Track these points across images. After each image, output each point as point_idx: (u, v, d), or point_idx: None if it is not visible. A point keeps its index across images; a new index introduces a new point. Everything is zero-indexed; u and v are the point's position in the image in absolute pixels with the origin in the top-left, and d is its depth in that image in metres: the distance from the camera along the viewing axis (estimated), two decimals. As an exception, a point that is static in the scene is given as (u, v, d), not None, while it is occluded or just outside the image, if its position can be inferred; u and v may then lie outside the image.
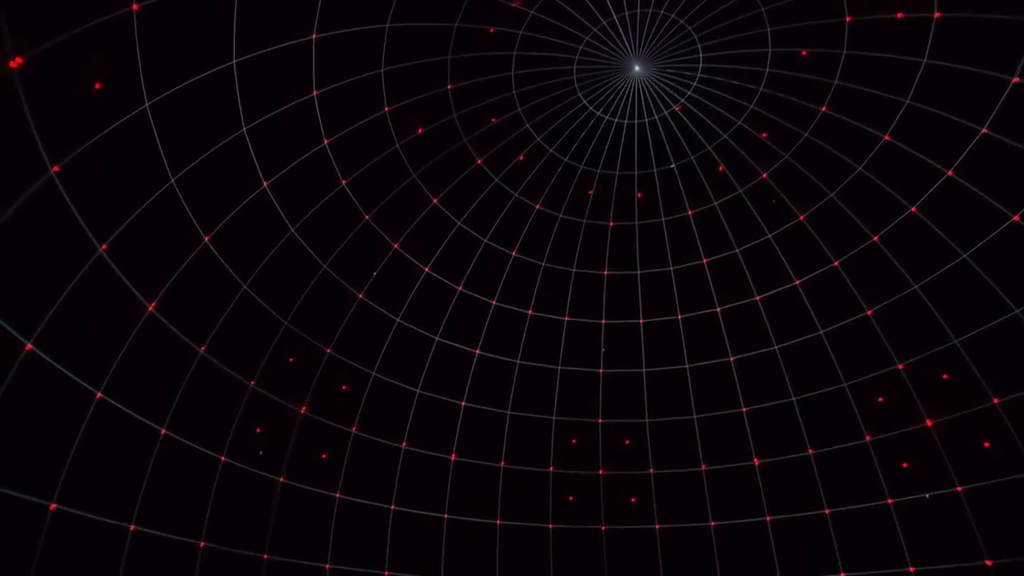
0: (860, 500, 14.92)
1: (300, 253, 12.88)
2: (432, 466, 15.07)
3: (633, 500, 17.13)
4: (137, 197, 9.92)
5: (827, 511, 15.41)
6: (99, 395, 9.16)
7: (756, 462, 16.42)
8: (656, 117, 17.59)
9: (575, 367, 17.39)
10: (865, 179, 15.05)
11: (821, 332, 16.30)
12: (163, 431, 10.28)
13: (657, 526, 16.72)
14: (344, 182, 13.60)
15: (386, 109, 13.98)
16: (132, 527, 9.49)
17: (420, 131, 14.84)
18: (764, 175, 17.01)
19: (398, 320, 14.99)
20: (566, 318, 17.44)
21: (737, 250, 17.63)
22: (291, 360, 12.94)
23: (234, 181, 11.57)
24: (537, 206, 17.25)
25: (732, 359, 17.34)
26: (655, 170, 18.23)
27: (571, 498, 16.89)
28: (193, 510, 10.83)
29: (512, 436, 16.35)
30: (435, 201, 15.55)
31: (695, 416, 17.37)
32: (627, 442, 17.53)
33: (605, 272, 17.92)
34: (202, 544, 10.73)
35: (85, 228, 8.97)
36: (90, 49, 8.67)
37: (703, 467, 16.94)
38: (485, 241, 16.53)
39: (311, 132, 12.78)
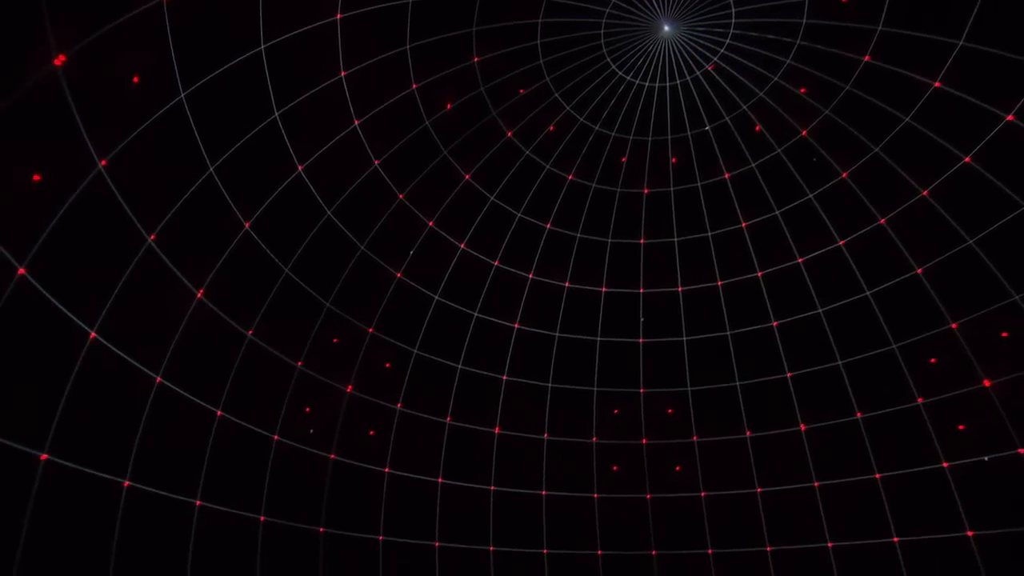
0: (913, 464, 14.56)
1: (338, 235, 13.03)
2: (477, 439, 15.30)
3: (678, 468, 17.11)
4: (179, 187, 10.14)
5: (878, 476, 15.10)
6: (159, 379, 9.54)
7: (803, 427, 16.16)
8: (688, 78, 17.05)
9: (614, 338, 17.30)
10: (913, 131, 14.33)
11: (868, 293, 15.78)
12: (219, 412, 10.68)
13: (703, 493, 16.69)
14: (377, 162, 13.64)
15: (414, 86, 13.89)
16: (199, 502, 9.96)
17: (449, 107, 14.73)
18: (803, 132, 16.38)
19: (437, 297, 15.12)
20: (603, 289, 17.30)
21: (777, 212, 17.11)
22: (335, 341, 13.21)
23: (270, 167, 11.71)
24: (570, 177, 17.02)
25: (775, 324, 16.97)
26: (689, 133, 17.74)
27: (615, 468, 16.97)
28: (252, 487, 11.27)
29: (554, 408, 16.44)
30: (467, 177, 15.49)
31: (738, 383, 17.13)
32: (670, 411, 17.44)
33: (641, 241, 17.66)
34: (262, 518, 11.20)
35: (134, 219, 9.23)
36: (126, 43, 8.80)
37: (748, 434, 16.76)
38: (519, 215, 16.44)
39: (341, 114, 12.80)
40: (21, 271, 7.45)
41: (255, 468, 11.43)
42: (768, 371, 16.83)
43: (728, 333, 17.40)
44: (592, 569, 15.78)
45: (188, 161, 10.21)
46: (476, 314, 15.76)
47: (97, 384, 8.59)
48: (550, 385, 16.57)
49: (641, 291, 17.57)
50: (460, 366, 15.39)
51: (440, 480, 14.58)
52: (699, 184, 17.85)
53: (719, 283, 17.56)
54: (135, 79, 9.33)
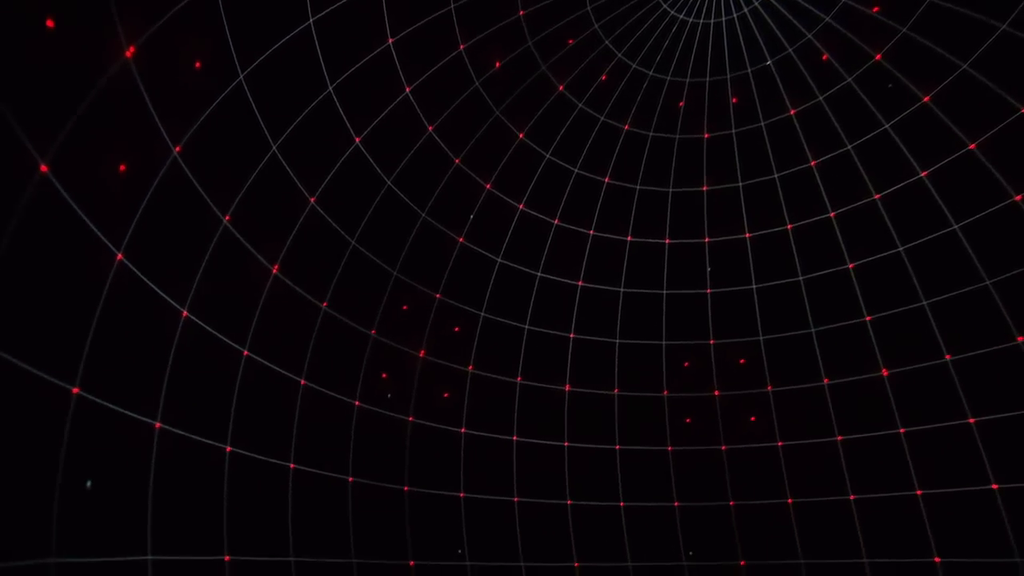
0: (1012, 407, 13.69)
1: (399, 204, 13.19)
2: (548, 397, 15.48)
3: (752, 419, 16.79)
4: (246, 167, 10.45)
5: (971, 420, 14.31)
6: (246, 352, 10.06)
7: (884, 373, 15.44)
8: (746, 10, 16.02)
9: (681, 290, 16.93)
10: (1010, 40, 12.97)
11: (955, 227, 14.70)
12: (303, 381, 11.20)
13: (780, 443, 16.35)
14: (431, 128, 13.61)
15: (461, 47, 13.66)
16: (292, 465, 10.59)
17: (498, 65, 14.44)
18: (877, 56, 15.16)
19: (499, 260, 15.16)
20: (667, 240, 16.88)
21: (849, 147, 16.06)
22: (404, 308, 13.52)
23: (328, 141, 11.88)
24: (626, 127, 16.50)
25: (851, 266, 16.13)
26: (749, 71, 16.78)
27: (688, 420, 16.82)
28: (338, 450, 11.86)
29: (623, 363, 16.36)
30: (521, 136, 15.26)
31: (813, 330, 16.49)
32: (741, 361, 17.04)
33: (704, 188, 17.03)
34: (351, 479, 11.81)
35: (209, 202, 9.60)
36: (186, 29, 8.99)
37: (825, 381, 16.19)
38: (576, 171, 16.14)
39: (392, 82, 12.78)
40: (119, 256, 7.91)
41: (340, 432, 11.99)
42: (845, 316, 16.10)
43: (800, 279, 16.69)
44: (670, 521, 15.87)
45: (252, 141, 10.47)
46: (539, 274, 15.73)
47: (193, 359, 9.13)
48: (617, 341, 16.46)
49: (707, 240, 17.03)
50: (527, 326, 15.48)
51: (515, 438, 14.89)
52: (762, 124, 16.94)
53: (788, 227, 16.78)
54: (197, 64, 9.57)
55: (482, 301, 14.92)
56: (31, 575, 6.31)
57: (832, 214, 16.17)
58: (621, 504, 15.81)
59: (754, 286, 16.90)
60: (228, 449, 9.47)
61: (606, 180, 16.60)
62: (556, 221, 15.97)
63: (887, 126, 15.35)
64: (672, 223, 17.08)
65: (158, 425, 8.42)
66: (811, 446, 15.95)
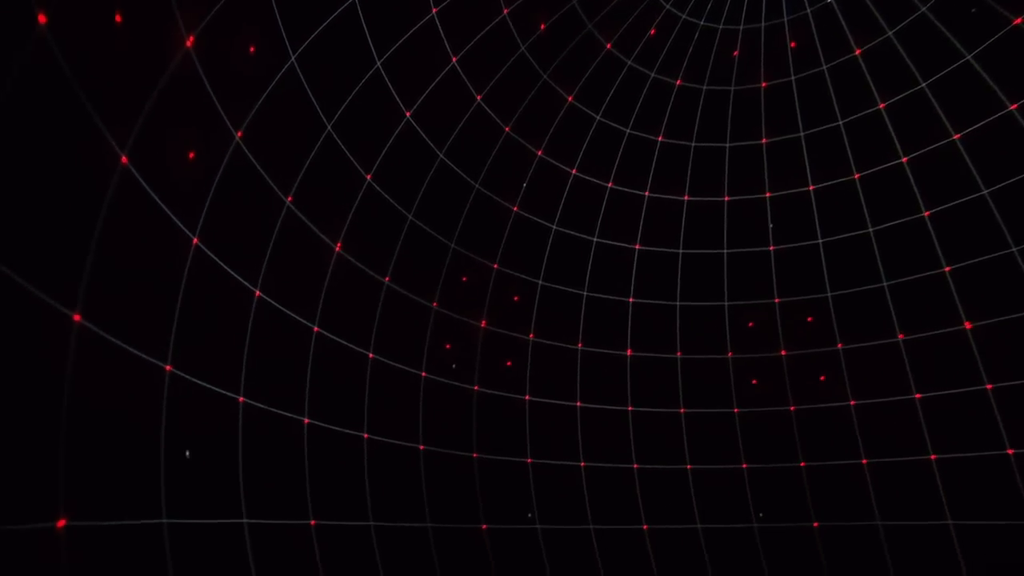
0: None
1: (452, 176, 13.22)
2: (609, 363, 15.42)
3: (822, 378, 16.24)
4: (304, 148, 10.66)
5: (1068, 372, 13.39)
6: (316, 328, 10.42)
7: (968, 326, 14.57)
8: (805, -55, 15.04)
9: (743, 248, 16.39)
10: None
11: (1049, 164, 13.57)
12: (371, 355, 11.55)
13: (852, 402, 15.78)
14: (479, 97, 13.50)
15: (505, 11, 13.40)
16: (366, 435, 11.01)
17: (543, 27, 14.11)
18: (958, -20, 13.98)
19: (554, 227, 15.06)
20: (726, 198, 16.31)
21: (923, 84, 14.97)
22: (464, 279, 13.67)
23: (380, 117, 11.96)
24: (678, 82, 15.90)
25: (927, 214, 15.18)
26: (808, 10, 15.80)
27: (754, 381, 16.44)
28: (408, 419, 12.23)
29: (684, 326, 16.08)
30: (570, 99, 14.96)
31: (886, 283, 15.69)
32: (809, 319, 16.44)
33: (763, 141, 16.29)
34: (422, 447, 12.19)
35: (272, 184, 9.87)
36: (238, 14, 9.16)
37: (900, 337, 15.43)
38: (628, 131, 15.72)
39: (438, 53, 12.70)
40: (195, 241, 8.27)
41: (409, 402, 12.35)
42: (921, 267, 15.22)
43: (870, 230, 15.85)
44: (739, 483, 15.67)
45: (308, 122, 10.66)
46: (595, 239, 15.54)
47: (268, 337, 9.53)
48: (678, 304, 16.16)
49: (767, 195, 16.36)
50: (585, 292, 15.39)
51: (578, 404, 14.95)
52: (824, 67, 15.99)
53: (856, 176, 15.91)
54: (251, 49, 9.76)
55: (539, 269, 14.89)
56: (148, 533, 6.84)
57: (905, 159, 15.20)
58: (688, 467, 15.71)
59: (820, 241, 16.17)
60: (306, 421, 9.91)
61: (659, 139, 16.11)
62: (610, 184, 15.67)
63: (968, 57, 14.19)
64: (730, 180, 16.47)
65: (241, 399, 8.87)
66: (886, 405, 15.32)
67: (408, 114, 12.32)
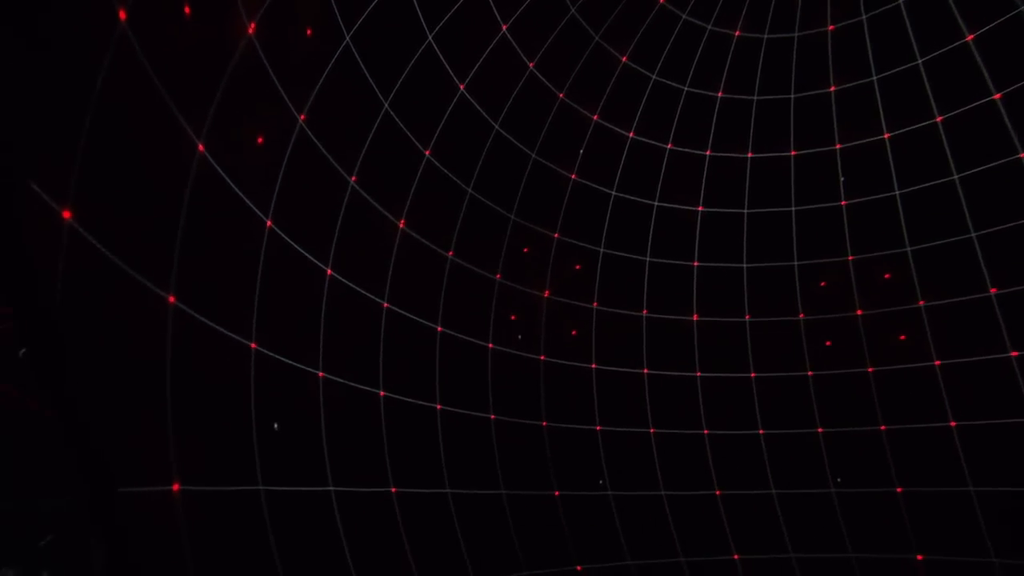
0: None
1: (508, 147, 13.14)
2: (675, 329, 15.16)
3: (902, 338, 15.43)
4: (363, 128, 10.81)
5: None
6: (385, 304, 10.69)
7: (1071, 275, 13.46)
8: None
9: (812, 204, 15.63)
10: None
11: None
12: (439, 328, 11.78)
13: (936, 363, 14.93)
14: (532, 65, 13.29)
15: (553, -27, 13.07)
16: (439, 406, 11.30)
17: (593, -14, 13.69)
18: None
19: (613, 193, 14.78)
20: (792, 152, 15.54)
21: (1021, 6, 13.63)
22: (525, 250, 13.67)
23: (435, 92, 11.97)
24: (736, 33, 15.12)
25: (1023, 155, 13.98)
26: (879, -59, 14.63)
27: (828, 343, 15.80)
28: (478, 391, 12.47)
29: (752, 288, 15.56)
30: (624, 59, 14.50)
31: (974, 234, 14.63)
32: (886, 276, 15.58)
33: (832, 88, 15.35)
34: (492, 417, 12.43)
35: (335, 165, 10.08)
36: (294, -2, 9.30)
37: (992, 291, 14.41)
38: (685, 89, 15.14)
39: (488, 22, 12.53)
40: (269, 223, 8.58)
41: (478, 374, 12.57)
42: (1015, 215, 14.08)
43: (955, 177, 14.76)
44: (814, 448, 15.21)
45: (365, 101, 10.79)
46: (656, 203, 15.17)
47: (341, 314, 9.86)
48: (744, 266, 15.63)
49: (838, 147, 15.47)
50: (648, 258, 15.10)
51: (645, 371, 14.82)
52: (901, 1, 14.79)
53: (938, 119, 14.78)
54: (308, 32, 9.90)
55: (600, 237, 14.70)
56: (248, 498, 7.30)
57: (997, 95, 13.98)
58: (760, 432, 15.36)
59: (897, 192, 15.20)
60: (382, 394, 10.25)
61: (719, 95, 15.45)
62: (669, 146, 15.20)
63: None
64: (797, 132, 15.65)
65: (321, 374, 9.24)
66: (977, 364, 14.42)
67: (462, 87, 12.27)
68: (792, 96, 15.46)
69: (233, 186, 8.10)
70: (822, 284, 15.88)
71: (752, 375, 15.49)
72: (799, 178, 15.48)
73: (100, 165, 5.87)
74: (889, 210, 15.28)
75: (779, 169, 15.53)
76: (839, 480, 15.22)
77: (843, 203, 15.52)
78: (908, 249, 15.18)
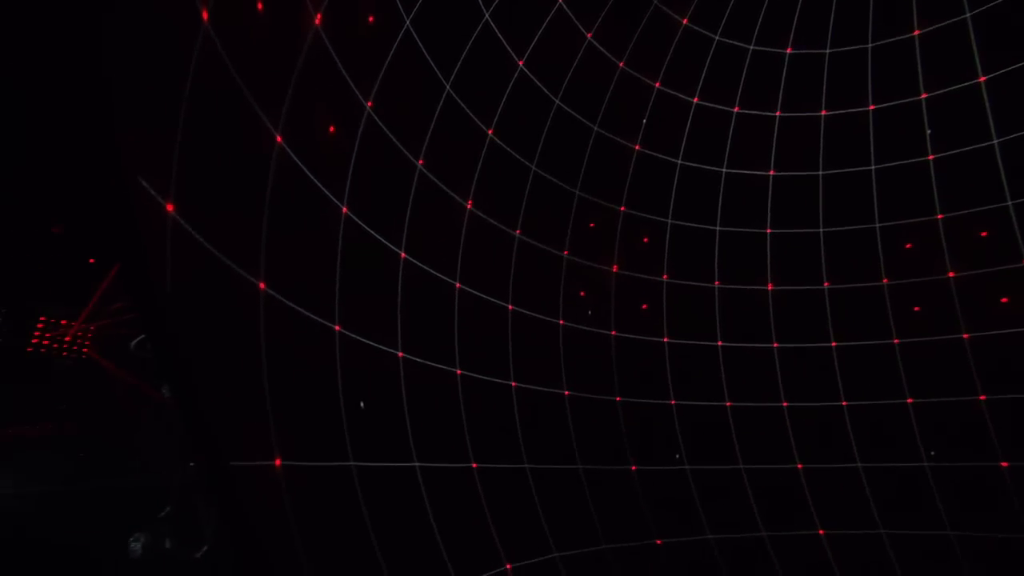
0: None
1: (570, 122, 12.97)
2: (749, 299, 14.68)
3: (1004, 300, 14.33)
4: (427, 111, 10.91)
5: None
6: (457, 285, 10.86)
7: None
8: None
9: (894, 162, 14.67)
10: None
11: None
12: (510, 307, 11.87)
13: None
14: (589, 35, 13.00)
15: (608, -62, 12.68)
16: (513, 383, 11.44)
17: (649, -52, 13.21)
18: None
19: (679, 162, 14.35)
20: (871, 107, 14.60)
21: None
22: (591, 225, 13.53)
23: (494, 70, 11.92)
24: (806, -18, 14.27)
25: None
26: None
27: (916, 308, 14.90)
28: (551, 367, 12.53)
29: (830, 254, 14.83)
30: (684, 22, 13.96)
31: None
32: (983, 234, 14.48)
33: (915, 32, 14.26)
34: (566, 393, 12.47)
35: (402, 149, 10.24)
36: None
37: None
38: (751, 48, 14.44)
39: (545, -5, 12.34)
40: (344, 210, 8.84)
41: (550, 351, 12.62)
42: None
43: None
44: (904, 420, 14.43)
45: (428, 84, 10.87)
46: (724, 170, 14.63)
47: (417, 296, 10.09)
48: (821, 230, 14.90)
49: (923, 97, 14.40)
50: (718, 228, 14.63)
51: (719, 343, 14.45)
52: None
53: (1040, 54, 13.49)
54: (370, 19, 10.04)
55: (667, 208, 14.34)
56: (341, 474, 7.65)
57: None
58: (843, 403, 14.73)
59: (995, 141, 14.02)
60: (459, 372, 10.46)
61: (788, 51, 14.65)
62: (736, 109, 14.58)
63: None
64: (875, 85, 14.67)
65: (400, 354, 9.51)
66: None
67: (521, 63, 12.16)
68: (869, 45, 14.47)
69: (310, 175, 8.37)
70: (908, 246, 14.95)
71: (833, 344, 14.83)
72: (879, 134, 14.53)
73: (193, 158, 6.18)
74: (986, 162, 14.13)
75: (856, 126, 14.63)
76: (933, 454, 14.40)
77: (930, 157, 14.48)
78: (1009, 203, 14.03)
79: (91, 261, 8.16)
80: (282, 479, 6.49)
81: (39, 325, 8.46)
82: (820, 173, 14.82)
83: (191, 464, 7.97)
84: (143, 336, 8.37)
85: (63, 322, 8.66)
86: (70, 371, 8.54)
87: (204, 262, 6.27)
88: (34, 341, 8.34)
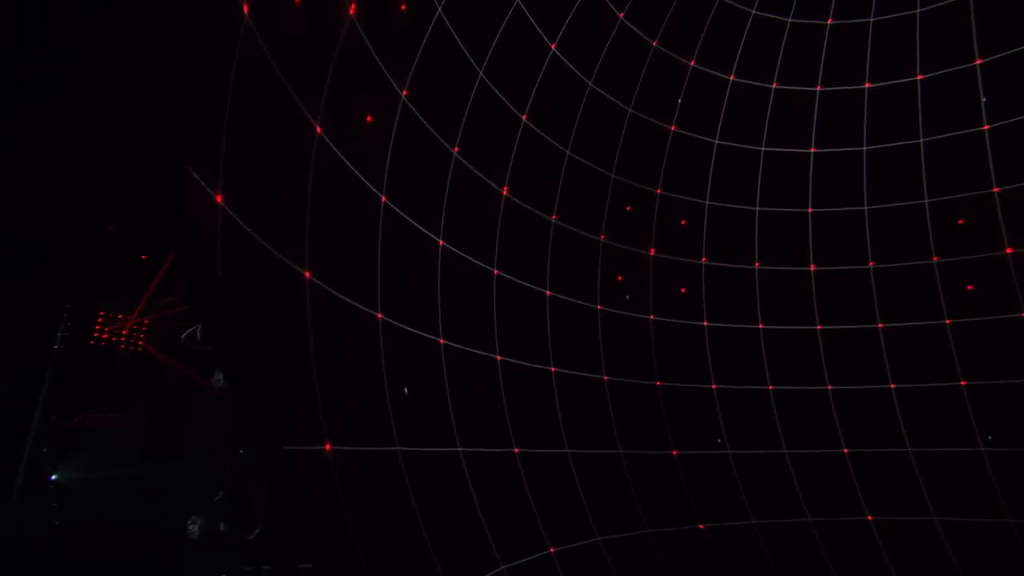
0: None
1: (603, 104, 12.80)
2: (791, 281, 14.32)
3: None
4: (460, 98, 10.90)
5: None
6: (495, 271, 10.88)
7: None
8: None
9: (944, 134, 14.06)
10: None
11: None
12: (548, 292, 11.85)
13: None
14: (622, 15, 12.78)
15: (639, -86, 12.41)
16: (552, 368, 11.47)
17: (682, -78, 12.87)
18: None
19: (716, 141, 14.04)
20: (919, 77, 13.99)
21: None
22: (628, 209, 13.36)
23: (526, 55, 11.83)
24: (848, -51, 13.72)
25: None
26: None
27: (969, 287, 14.31)
28: (590, 352, 12.49)
29: (876, 233, 14.35)
30: (720, -3, 13.61)
31: None
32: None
33: (966, -6, 13.56)
34: (606, 378, 12.42)
35: (438, 137, 10.27)
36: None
37: None
38: (789, 20, 13.98)
39: (575, -25, 12.15)
40: (383, 199, 8.93)
41: (588, 336, 12.57)
42: None
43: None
44: (957, 403, 13.91)
45: (461, 71, 10.85)
46: (763, 148, 14.26)
47: (455, 283, 10.15)
48: (866, 208, 14.42)
49: (977, 63, 13.72)
50: (757, 208, 14.29)
51: (760, 326, 14.16)
52: None
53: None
54: (403, 7, 10.05)
55: (705, 189, 14.07)
56: (387, 459, 7.79)
57: None
58: (891, 386, 14.29)
59: (1054, 109, 13.31)
60: (499, 358, 10.50)
61: (828, 21, 14.14)
62: (774, 85, 14.16)
63: None
64: (924, 53, 14.04)
65: (442, 341, 9.60)
66: None
67: (553, 46, 12.03)
68: (918, 10, 13.84)
69: (350, 165, 8.47)
70: (960, 222, 14.34)
71: (879, 326, 14.38)
72: (928, 105, 13.93)
73: (239, 150, 6.32)
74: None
75: (903, 98, 14.05)
76: (990, 438, 13.85)
77: (985, 127, 13.83)
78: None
79: (143, 257, 8.45)
80: (332, 463, 6.64)
81: (99, 320, 8.83)
82: (864, 149, 14.32)
83: (240, 452, 8.23)
84: (192, 329, 8.66)
85: (120, 316, 9.02)
86: (128, 363, 8.89)
87: (253, 252, 6.42)
88: (95, 335, 8.71)
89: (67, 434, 7.79)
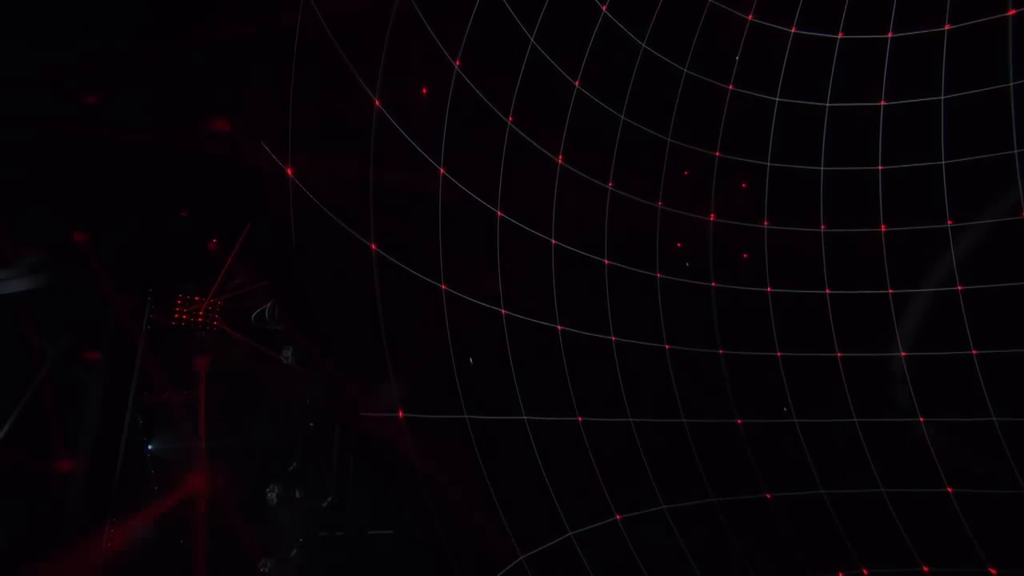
0: None
1: (658, 66, 12.37)
2: (860, 242, 13.64)
3: None
4: (513, 66, 10.73)
5: None
6: (553, 241, 10.79)
7: None
8: None
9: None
10: None
11: None
12: (606, 261, 11.69)
13: None
14: (675, -29, 12.26)
15: None
16: (613, 338, 11.38)
17: None
18: None
19: (777, 99, 13.39)
20: (1010, 12, 12.88)
21: None
22: (686, 173, 12.97)
23: (577, 18, 11.52)
24: None
25: None
26: None
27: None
28: (650, 321, 12.32)
29: (954, 189, 13.45)
30: (780, -56, 12.86)
31: None
32: None
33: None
34: (667, 347, 12.25)
35: (492, 107, 10.17)
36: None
37: None
38: (857, -36, 13.10)
39: (625, -68, 11.70)
40: (442, 171, 8.93)
41: (648, 305, 12.38)
42: None
43: None
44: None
45: (512, 39, 10.66)
46: (827, 104, 13.51)
47: (514, 253, 10.13)
48: (943, 163, 13.52)
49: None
50: (822, 167, 13.62)
51: (827, 291, 13.60)
52: None
53: None
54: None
55: (765, 150, 13.49)
56: (455, 426, 7.92)
57: None
58: (973, 352, 13.51)
59: None
60: (559, 328, 10.47)
61: (901, -35, 13.17)
62: (840, 35, 13.34)
63: None
64: (1009, -7, 12.92)
65: (504, 311, 9.61)
66: None
67: (604, 8, 11.67)
68: (999, -51, 12.73)
69: (408, 138, 8.50)
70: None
71: (959, 288, 13.56)
72: (1019, 46, 12.81)
73: (304, 124, 6.41)
74: None
75: (988, 37, 12.97)
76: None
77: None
78: None
79: (214, 241, 8.76)
80: (406, 430, 6.78)
81: (178, 302, 9.24)
82: (942, 98, 13.37)
83: (311, 425, 8.51)
84: (262, 309, 8.95)
85: (196, 298, 9.41)
86: (204, 341, 9.29)
87: (322, 224, 6.54)
88: (175, 316, 9.13)
89: (157, 408, 8.23)
